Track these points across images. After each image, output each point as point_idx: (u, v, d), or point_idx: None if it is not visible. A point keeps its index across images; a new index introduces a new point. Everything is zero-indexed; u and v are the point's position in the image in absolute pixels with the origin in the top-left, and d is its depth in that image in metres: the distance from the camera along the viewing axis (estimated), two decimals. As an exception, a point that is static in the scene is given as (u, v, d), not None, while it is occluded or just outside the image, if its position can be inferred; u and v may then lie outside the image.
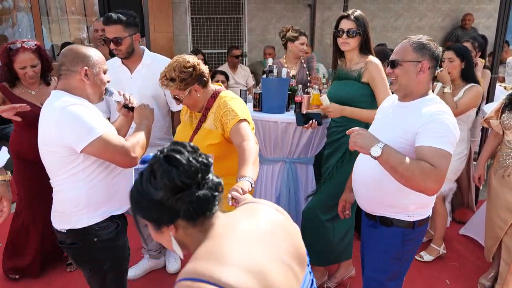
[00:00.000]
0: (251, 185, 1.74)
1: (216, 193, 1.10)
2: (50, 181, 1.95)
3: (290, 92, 3.42)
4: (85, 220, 1.91)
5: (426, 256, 3.42)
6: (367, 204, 2.10)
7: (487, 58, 4.97)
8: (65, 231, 1.93)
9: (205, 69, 2.24)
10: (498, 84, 4.49)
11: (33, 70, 2.80)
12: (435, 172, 1.72)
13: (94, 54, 1.93)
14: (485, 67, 4.35)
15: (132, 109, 2.17)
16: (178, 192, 1.04)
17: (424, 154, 1.76)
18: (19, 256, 3.14)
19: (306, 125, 2.89)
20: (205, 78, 2.24)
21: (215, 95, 2.30)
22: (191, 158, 1.07)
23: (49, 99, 1.91)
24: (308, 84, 3.78)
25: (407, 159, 1.74)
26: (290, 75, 3.65)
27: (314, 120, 2.88)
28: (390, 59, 1.98)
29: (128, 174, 2.06)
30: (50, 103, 1.86)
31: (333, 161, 2.87)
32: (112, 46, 2.73)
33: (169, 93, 2.98)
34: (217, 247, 1.06)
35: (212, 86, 2.34)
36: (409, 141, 1.85)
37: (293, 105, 3.36)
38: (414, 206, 1.97)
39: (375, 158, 1.77)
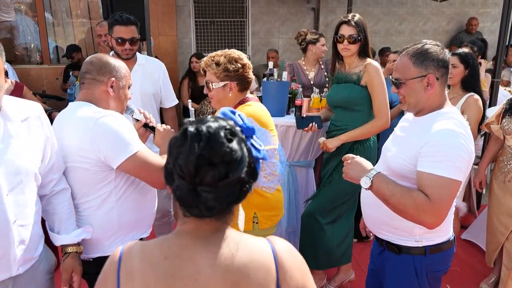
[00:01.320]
0: None
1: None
2: (74, 202, 1.79)
3: (290, 96, 3.42)
4: (117, 246, 1.76)
5: None
6: (372, 224, 1.94)
7: (491, 62, 4.95)
8: (92, 259, 1.81)
9: (251, 76, 2.17)
10: (502, 88, 4.48)
11: None
12: (430, 205, 1.54)
13: (122, 66, 1.85)
14: (487, 70, 4.34)
15: (151, 128, 2.03)
16: None
17: (422, 182, 1.59)
18: None
19: (306, 128, 2.89)
20: (245, 83, 2.15)
21: (244, 101, 2.19)
22: None
23: (67, 109, 1.80)
24: (326, 85, 3.76)
25: (399, 190, 1.59)
26: (309, 77, 3.69)
27: (314, 123, 2.88)
28: (393, 79, 1.78)
29: (154, 194, 1.98)
30: (72, 114, 1.73)
31: (333, 164, 2.87)
32: (127, 45, 2.79)
33: (165, 91, 3.06)
34: None
35: (248, 95, 2.24)
36: (411, 160, 1.67)
37: (293, 108, 3.37)
38: (420, 230, 1.74)
39: (365, 189, 1.66)
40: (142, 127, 2.01)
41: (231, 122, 1.01)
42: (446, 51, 1.77)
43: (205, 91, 2.19)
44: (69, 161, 1.72)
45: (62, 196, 1.71)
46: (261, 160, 1.04)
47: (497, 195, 2.83)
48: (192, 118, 3.25)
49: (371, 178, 1.63)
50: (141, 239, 1.90)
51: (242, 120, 1.07)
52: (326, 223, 2.87)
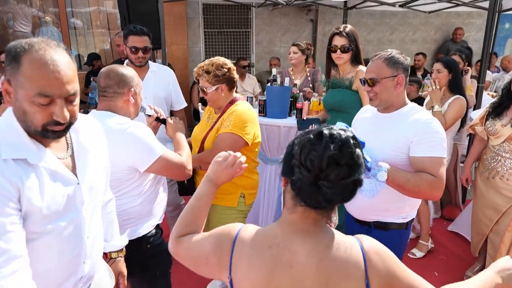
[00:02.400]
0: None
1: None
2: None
3: (292, 99, 3.42)
4: (139, 231, 1.88)
5: (418, 253, 3.39)
6: (362, 211, 2.00)
7: (474, 67, 4.94)
8: None
9: (236, 77, 2.28)
10: (485, 93, 4.46)
11: None
12: (438, 181, 1.73)
13: (135, 74, 1.87)
14: (472, 76, 4.32)
15: (163, 121, 2.12)
16: None
17: (424, 165, 1.74)
18: None
19: (307, 130, 2.89)
20: (233, 83, 2.27)
21: (233, 101, 2.30)
22: None
23: (95, 119, 1.76)
24: (303, 94, 3.77)
25: (411, 176, 1.72)
26: (294, 83, 3.67)
27: (313, 124, 2.88)
28: (367, 78, 1.89)
29: (165, 186, 2.05)
30: (101, 123, 1.70)
31: None
32: (140, 54, 2.82)
33: (175, 95, 3.08)
34: None
35: (235, 94, 2.34)
36: (402, 150, 1.80)
37: (295, 111, 3.37)
38: (409, 208, 1.93)
39: (381, 181, 1.72)
40: (154, 120, 2.11)
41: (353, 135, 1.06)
42: (408, 59, 1.92)
43: (201, 95, 2.30)
44: None
45: (110, 206, 1.64)
46: (367, 171, 1.10)
47: (482, 190, 2.82)
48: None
49: (387, 171, 1.69)
50: (157, 225, 1.98)
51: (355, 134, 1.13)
52: None
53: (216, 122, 2.29)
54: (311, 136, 1.02)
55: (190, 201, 1.32)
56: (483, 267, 3.02)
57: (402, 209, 1.91)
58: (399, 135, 1.80)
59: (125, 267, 1.71)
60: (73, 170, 1.26)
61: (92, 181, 1.32)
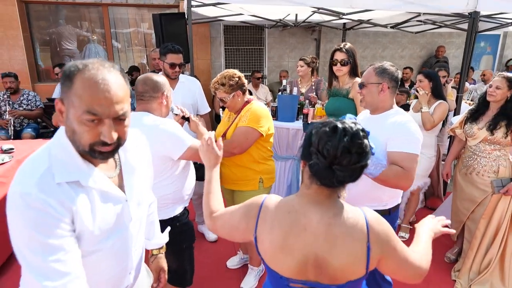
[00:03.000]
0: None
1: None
2: None
3: (299, 106, 3.44)
4: (172, 212, 1.92)
5: (406, 235, 3.39)
6: (354, 198, 1.98)
7: (453, 79, 4.94)
8: None
9: (245, 82, 2.30)
10: (464, 101, 4.41)
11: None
12: (406, 173, 1.71)
13: (165, 81, 1.89)
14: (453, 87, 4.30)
15: (187, 119, 2.15)
16: None
17: (395, 159, 1.74)
18: None
19: (323, 122, 2.90)
20: (244, 88, 2.28)
21: (248, 102, 2.33)
22: None
23: (134, 118, 1.66)
24: (307, 100, 3.78)
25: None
26: (301, 92, 3.68)
27: None
28: (359, 82, 1.93)
29: (192, 173, 2.05)
30: (139, 121, 1.72)
31: None
32: (177, 69, 2.86)
33: (200, 102, 3.13)
34: None
35: (248, 96, 2.37)
36: (382, 146, 1.80)
37: (302, 116, 3.38)
38: (387, 197, 1.92)
39: (384, 164, 1.74)
40: (180, 118, 2.14)
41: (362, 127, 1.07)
42: (399, 72, 1.91)
43: (221, 104, 2.33)
44: None
45: (152, 207, 1.49)
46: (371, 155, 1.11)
47: (460, 184, 2.80)
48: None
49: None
50: (184, 208, 1.99)
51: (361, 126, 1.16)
52: None
53: (235, 119, 2.33)
54: (327, 129, 1.03)
55: (204, 188, 1.37)
56: (460, 250, 3.00)
57: (381, 198, 1.91)
58: (379, 134, 1.78)
59: (165, 263, 1.57)
60: (121, 187, 1.12)
61: (139, 197, 1.18)
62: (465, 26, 4.83)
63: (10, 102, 4.70)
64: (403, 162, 1.71)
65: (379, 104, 1.88)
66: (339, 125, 1.02)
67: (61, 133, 1.00)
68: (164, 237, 1.60)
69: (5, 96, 4.65)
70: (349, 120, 1.06)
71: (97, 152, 0.97)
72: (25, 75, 6.08)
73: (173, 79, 2.87)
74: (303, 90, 3.81)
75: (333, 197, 1.09)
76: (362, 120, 2.04)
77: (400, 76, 1.91)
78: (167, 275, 1.59)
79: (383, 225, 1.09)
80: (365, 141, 1.02)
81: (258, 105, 2.33)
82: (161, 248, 1.59)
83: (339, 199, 1.12)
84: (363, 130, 1.04)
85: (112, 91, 0.94)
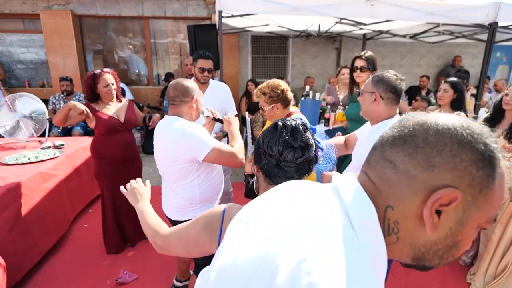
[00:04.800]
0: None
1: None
2: (168, 185, 1.81)
3: (321, 111, 3.34)
4: (197, 213, 1.83)
5: None
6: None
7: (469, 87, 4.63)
8: (184, 221, 1.81)
9: (290, 95, 2.07)
10: (482, 109, 4.16)
11: (113, 88, 2.65)
12: None
13: (196, 86, 1.83)
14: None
15: (218, 120, 2.06)
16: None
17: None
18: (110, 238, 2.90)
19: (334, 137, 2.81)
20: (287, 102, 2.06)
21: (289, 114, 2.13)
22: None
23: (165, 122, 1.77)
24: (329, 106, 3.65)
25: None
26: (322, 98, 3.58)
27: (339, 132, 2.80)
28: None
29: (221, 179, 1.98)
30: (169, 125, 1.72)
31: (347, 162, 2.76)
32: (206, 73, 2.80)
33: (228, 105, 3.04)
34: None
35: (291, 109, 2.16)
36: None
37: (323, 120, 3.29)
38: None
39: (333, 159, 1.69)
40: (212, 120, 2.07)
41: (304, 123, 1.03)
42: (402, 83, 1.70)
43: (261, 112, 2.18)
44: (169, 160, 1.73)
45: None
46: (319, 150, 1.05)
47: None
48: (248, 125, 3.24)
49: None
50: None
51: (308, 123, 1.12)
52: None
53: None
54: (269, 128, 1.00)
55: (141, 215, 1.19)
56: (476, 253, 2.82)
57: None
58: (367, 143, 1.65)
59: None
60: None
61: None
62: (482, 36, 4.56)
63: (65, 101, 4.90)
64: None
65: (372, 114, 1.70)
66: (279, 122, 1.00)
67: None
68: None
69: (62, 96, 4.87)
70: (290, 119, 1.03)
71: None
72: (77, 80, 6.28)
73: (203, 84, 2.84)
74: (341, 97, 3.71)
75: None
76: (366, 130, 1.87)
77: (402, 86, 1.70)
78: (194, 268, 1.54)
79: None
80: (307, 134, 0.98)
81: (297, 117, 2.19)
82: None
83: None
84: (303, 124, 1.00)
85: None
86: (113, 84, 2.65)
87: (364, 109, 1.73)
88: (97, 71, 2.63)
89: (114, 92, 2.67)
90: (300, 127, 0.98)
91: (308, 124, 1.07)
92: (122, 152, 2.72)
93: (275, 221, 0.58)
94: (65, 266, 2.74)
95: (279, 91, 2.01)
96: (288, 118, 1.03)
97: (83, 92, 2.73)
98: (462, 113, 2.91)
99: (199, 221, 1.00)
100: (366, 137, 1.81)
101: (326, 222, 0.53)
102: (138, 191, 1.26)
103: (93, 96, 2.64)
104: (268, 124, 2.44)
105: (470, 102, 3.61)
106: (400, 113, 1.80)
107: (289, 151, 0.95)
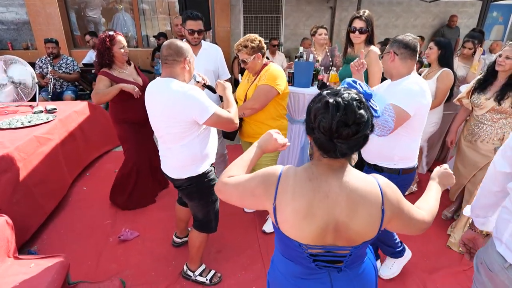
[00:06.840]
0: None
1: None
2: (167, 146, 1.86)
3: (314, 72, 3.34)
4: (200, 168, 1.91)
5: (414, 188, 3.42)
6: (367, 155, 2.02)
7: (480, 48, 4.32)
8: (184, 178, 1.91)
9: (264, 46, 2.34)
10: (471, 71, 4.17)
11: (127, 50, 2.64)
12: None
13: (189, 47, 1.82)
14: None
15: (208, 87, 2.09)
16: None
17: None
18: (121, 194, 3.05)
19: (317, 98, 2.83)
20: (263, 51, 2.33)
21: (265, 64, 2.39)
22: None
23: (160, 83, 1.77)
24: (330, 66, 3.64)
25: None
26: (316, 59, 3.55)
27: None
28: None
29: (216, 138, 2.04)
30: (166, 87, 1.72)
31: None
32: (196, 35, 2.74)
33: (221, 68, 3.02)
34: None
35: (265, 59, 2.41)
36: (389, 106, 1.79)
37: (317, 82, 3.30)
38: (397, 157, 1.89)
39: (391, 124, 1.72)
40: (202, 86, 2.09)
41: (358, 94, 0.98)
42: (416, 41, 1.83)
43: (242, 65, 2.36)
44: (169, 121, 1.75)
45: None
46: (375, 118, 1.02)
47: (464, 151, 2.73)
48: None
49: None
50: (211, 165, 2.00)
51: (362, 88, 1.05)
52: None
53: (254, 80, 2.37)
54: (319, 105, 0.95)
55: (239, 158, 1.25)
56: (457, 209, 3.01)
57: (392, 158, 1.89)
58: (392, 96, 1.78)
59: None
60: None
61: None
62: (480, -5, 4.47)
63: (52, 65, 4.77)
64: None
65: (392, 71, 1.87)
66: (330, 100, 0.93)
67: None
68: None
69: (49, 59, 4.73)
70: (343, 90, 0.97)
71: None
72: (62, 42, 6.06)
73: (194, 45, 2.79)
74: (319, 58, 3.68)
75: (345, 165, 1.05)
76: (385, 86, 1.98)
77: (416, 43, 1.80)
78: (194, 223, 1.64)
79: (393, 189, 1.08)
80: (361, 111, 0.93)
81: (275, 66, 2.37)
82: None
83: (351, 167, 1.08)
84: (358, 98, 0.95)
85: None
86: (125, 45, 2.66)
87: (386, 69, 1.90)
88: (111, 32, 2.59)
89: (127, 55, 2.67)
90: (354, 104, 0.93)
91: (363, 88, 1.02)
92: (144, 114, 2.73)
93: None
94: (68, 226, 2.85)
95: (257, 42, 2.27)
96: (341, 91, 0.97)
97: (96, 57, 2.64)
98: (447, 70, 2.95)
99: (258, 177, 1.10)
100: (383, 89, 1.97)
101: None
102: (277, 145, 1.29)
103: (108, 59, 2.61)
104: (242, 80, 2.52)
105: (477, 64, 3.46)
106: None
107: (343, 129, 0.92)
